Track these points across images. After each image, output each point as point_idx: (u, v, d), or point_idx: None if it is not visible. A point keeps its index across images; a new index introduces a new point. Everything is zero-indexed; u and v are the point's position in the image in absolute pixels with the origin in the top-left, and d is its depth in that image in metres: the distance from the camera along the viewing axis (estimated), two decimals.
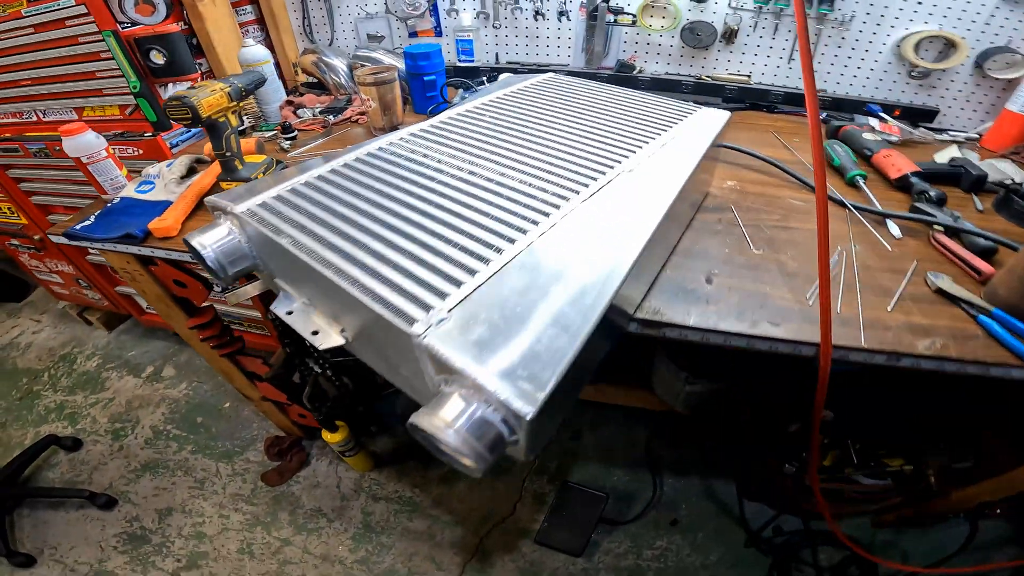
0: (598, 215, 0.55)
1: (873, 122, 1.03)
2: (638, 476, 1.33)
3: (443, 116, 0.75)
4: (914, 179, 0.82)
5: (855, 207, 0.78)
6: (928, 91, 1.08)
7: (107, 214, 0.87)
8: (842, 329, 0.57)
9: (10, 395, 1.68)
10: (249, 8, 1.28)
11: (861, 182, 0.84)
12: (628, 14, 1.11)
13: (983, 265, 0.64)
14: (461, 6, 1.21)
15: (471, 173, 0.61)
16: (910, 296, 0.63)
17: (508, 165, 0.62)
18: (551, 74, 0.89)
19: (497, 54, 1.27)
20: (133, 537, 1.29)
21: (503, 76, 1.19)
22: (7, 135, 1.29)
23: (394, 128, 1.05)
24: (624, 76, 1.18)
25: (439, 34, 1.28)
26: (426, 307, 0.43)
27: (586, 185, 0.59)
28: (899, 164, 0.85)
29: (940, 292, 0.62)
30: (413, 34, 1.29)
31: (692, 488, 1.31)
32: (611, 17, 1.12)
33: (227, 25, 1.14)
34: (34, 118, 1.25)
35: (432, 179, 0.59)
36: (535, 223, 0.53)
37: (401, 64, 1.16)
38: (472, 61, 1.25)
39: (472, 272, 0.47)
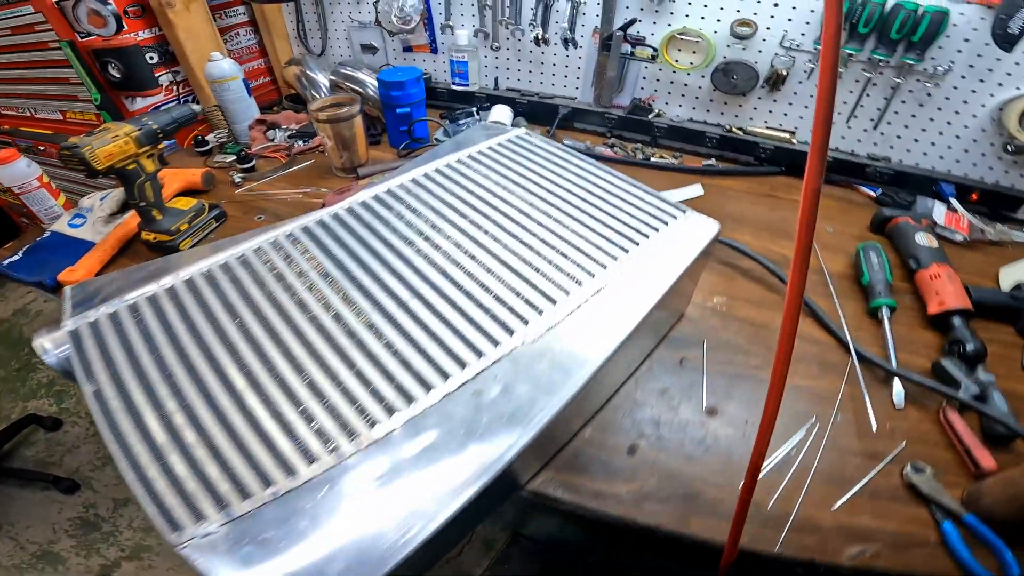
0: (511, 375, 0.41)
1: (939, 211, 0.78)
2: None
3: (379, 190, 0.62)
4: (956, 320, 0.59)
5: (860, 355, 0.57)
6: (1022, 171, 0.81)
7: (35, 250, 0.81)
8: (762, 530, 0.44)
9: (9, 365, 1.75)
10: (241, 9, 1.18)
11: (885, 317, 0.61)
12: (648, 46, 0.90)
13: (986, 459, 0.47)
14: (458, 22, 1.05)
15: (337, 316, 0.47)
16: (872, 491, 0.47)
17: (407, 302, 0.48)
18: (522, 133, 0.72)
19: (496, 79, 1.11)
20: (85, 523, 1.32)
21: (496, 109, 1.02)
22: (6, 127, 1.29)
23: (354, 169, 0.92)
24: (638, 120, 0.98)
25: (435, 51, 1.12)
26: (199, 516, 0.34)
27: (496, 342, 0.45)
28: (944, 293, 0.62)
29: (912, 487, 0.47)
30: (407, 48, 1.14)
31: None
32: (628, 48, 0.92)
33: (204, 33, 1.04)
34: (27, 114, 1.24)
35: (304, 310, 0.48)
36: (391, 411, 0.40)
37: None
38: (467, 85, 1.09)
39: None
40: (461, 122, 1.03)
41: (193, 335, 0.46)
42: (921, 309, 0.65)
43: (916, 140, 0.85)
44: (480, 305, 0.48)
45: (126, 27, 0.95)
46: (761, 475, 0.47)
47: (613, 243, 0.54)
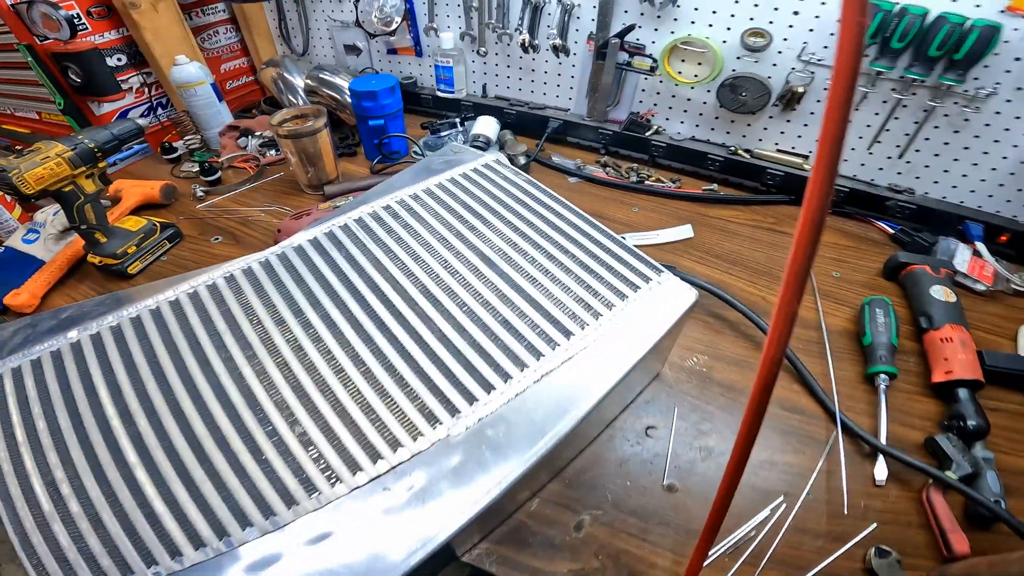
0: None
1: (961, 256, 0.68)
2: None
3: (334, 224, 0.55)
4: (963, 392, 0.51)
5: (846, 428, 0.50)
6: None
7: None
8: None
9: None
10: (220, 6, 1.11)
11: (882, 386, 0.53)
12: (647, 56, 0.81)
13: (960, 544, 0.42)
14: (443, 24, 0.96)
15: (284, 365, 0.41)
16: None
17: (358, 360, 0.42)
18: (491, 160, 0.64)
19: (484, 85, 1.02)
20: None
21: (481, 121, 0.94)
22: None
23: (320, 186, 0.86)
24: (634, 137, 0.89)
25: (419, 54, 1.04)
26: None
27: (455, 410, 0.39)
28: (954, 361, 0.53)
29: (871, 574, 0.42)
30: (392, 51, 1.07)
31: None
32: (625, 57, 0.83)
33: (173, 34, 0.98)
34: (8, 111, 1.20)
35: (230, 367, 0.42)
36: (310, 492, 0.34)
37: None
38: (452, 92, 1.01)
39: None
40: (443, 134, 0.95)
41: (89, 398, 0.42)
42: (925, 374, 0.56)
43: (945, 171, 0.75)
44: (423, 376, 0.42)
45: (90, 27, 0.90)
46: (711, 559, 0.42)
47: (580, 307, 0.47)
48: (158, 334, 0.46)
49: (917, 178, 0.76)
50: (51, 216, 0.81)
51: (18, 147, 1.06)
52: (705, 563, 0.38)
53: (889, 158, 0.76)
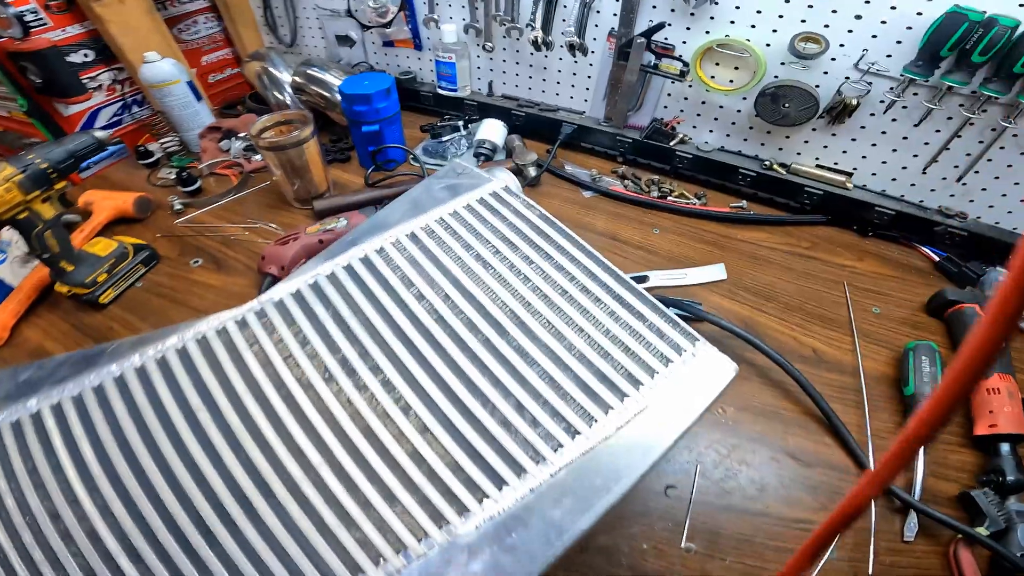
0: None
1: None
2: None
3: (322, 272, 0.48)
4: (1004, 447, 0.47)
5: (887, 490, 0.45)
6: None
7: None
8: None
9: None
10: None
11: None
12: (676, 59, 0.72)
13: None
14: (444, 15, 0.87)
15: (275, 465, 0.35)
16: None
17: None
18: (500, 189, 0.56)
19: (491, 83, 0.93)
20: None
21: (487, 124, 0.86)
22: None
23: (309, 201, 0.78)
24: (656, 146, 0.80)
25: (419, 47, 0.94)
26: None
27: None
28: (999, 414, 0.48)
29: None
30: (388, 43, 0.97)
31: None
32: (651, 59, 0.73)
33: (143, 25, 0.88)
34: None
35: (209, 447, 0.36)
36: None
37: None
38: (455, 90, 0.92)
39: None
40: (445, 139, 0.87)
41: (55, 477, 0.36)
42: (967, 424, 0.51)
43: (1003, 195, 0.67)
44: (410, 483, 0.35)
45: (50, 22, 0.80)
46: None
47: (602, 386, 0.40)
48: (120, 412, 0.39)
49: (971, 201, 0.69)
50: (16, 234, 0.74)
51: None
52: None
53: (944, 179, 0.68)
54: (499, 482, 0.35)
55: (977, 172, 0.66)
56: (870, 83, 0.64)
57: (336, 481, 0.36)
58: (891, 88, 0.64)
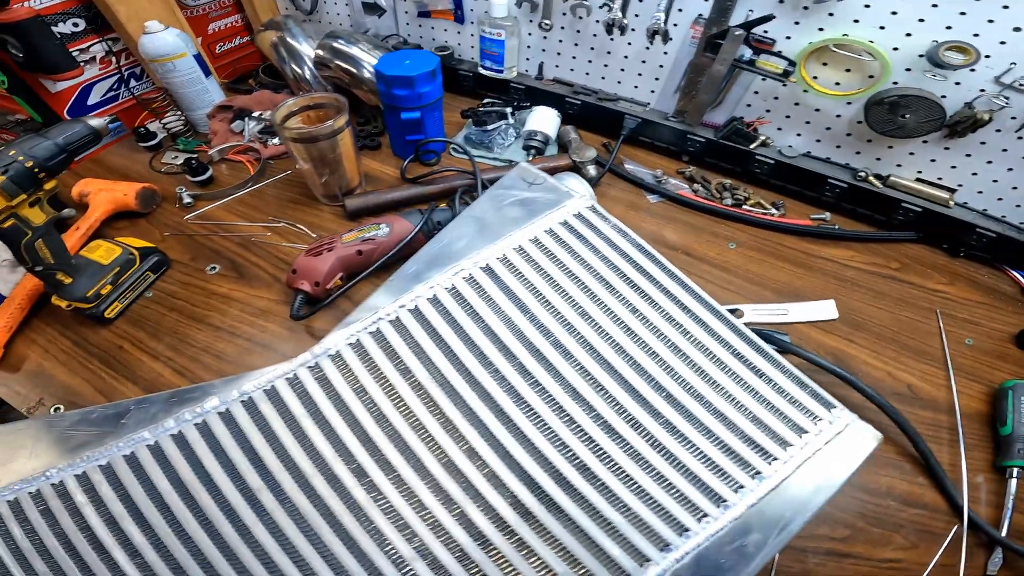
0: None
1: None
2: None
3: (391, 311, 0.40)
4: None
5: (975, 523, 0.43)
6: None
7: None
8: None
9: None
10: None
11: (1014, 480, 0.45)
12: (781, 57, 0.62)
13: None
14: None
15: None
16: None
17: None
18: (584, 209, 0.48)
19: (541, 64, 0.82)
20: None
21: (538, 113, 0.76)
22: None
23: (339, 198, 0.68)
24: (732, 148, 0.71)
25: (460, 20, 0.83)
26: None
27: None
28: None
29: None
30: (424, 13, 0.85)
31: None
32: (746, 54, 0.63)
33: None
34: None
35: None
36: None
37: None
38: (500, 72, 0.81)
39: None
40: (490, 127, 0.77)
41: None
42: None
43: None
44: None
45: None
46: None
47: (731, 462, 0.33)
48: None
49: None
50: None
51: None
52: None
53: None
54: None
55: None
56: (1008, 98, 0.55)
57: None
58: None
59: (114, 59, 0.81)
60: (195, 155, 0.71)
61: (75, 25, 0.74)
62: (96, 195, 0.67)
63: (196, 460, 0.34)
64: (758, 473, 0.33)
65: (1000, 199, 0.64)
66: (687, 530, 0.31)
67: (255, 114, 0.82)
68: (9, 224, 0.48)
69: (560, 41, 0.78)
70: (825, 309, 0.57)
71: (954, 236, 0.65)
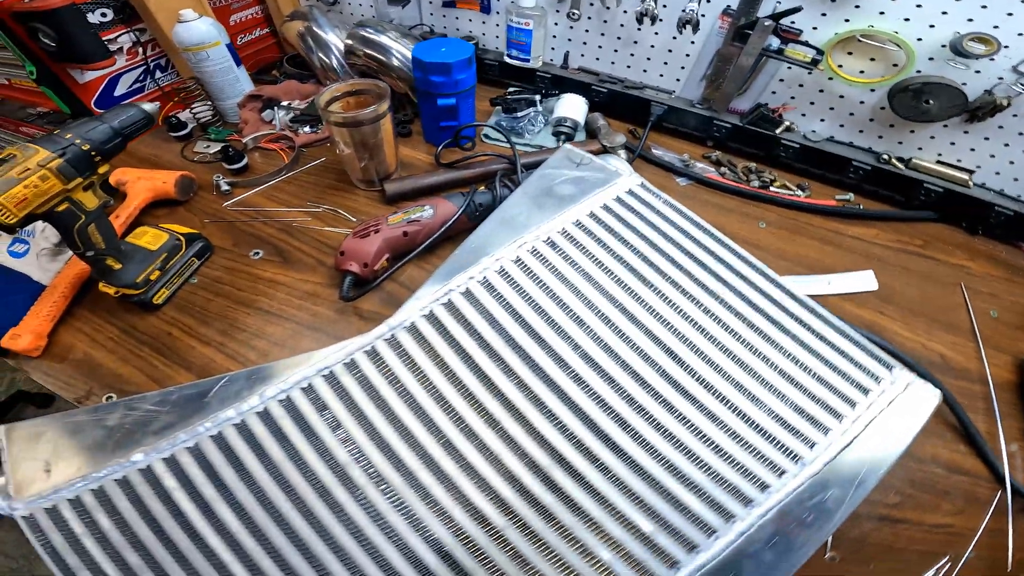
0: None
1: None
2: None
3: (460, 283, 0.41)
4: None
5: (1017, 490, 0.45)
6: None
7: None
8: None
9: None
10: None
11: None
12: (808, 46, 0.64)
13: None
14: None
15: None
16: None
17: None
18: (635, 186, 0.49)
19: (567, 54, 0.83)
20: None
21: (567, 100, 0.77)
22: None
23: (379, 182, 0.69)
24: (757, 133, 0.73)
25: (486, 9, 0.84)
26: None
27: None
28: None
29: None
30: (449, 3, 0.86)
31: None
32: (774, 43, 0.65)
33: None
34: None
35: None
36: None
37: None
38: (527, 61, 0.83)
39: None
40: (520, 114, 0.78)
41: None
42: None
43: None
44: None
45: None
46: None
47: (801, 420, 0.35)
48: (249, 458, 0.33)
49: None
50: (39, 223, 0.64)
51: None
52: None
53: None
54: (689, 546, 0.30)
55: None
56: None
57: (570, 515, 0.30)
58: None
59: (140, 50, 0.82)
60: (229, 144, 0.71)
61: (103, 15, 0.74)
62: (134, 183, 0.67)
63: (283, 437, 0.35)
64: (829, 431, 0.35)
65: (1016, 179, 0.66)
66: (767, 486, 0.33)
67: (284, 103, 0.83)
68: (64, 208, 0.49)
69: (587, 31, 0.80)
70: (865, 280, 0.59)
71: (973, 215, 0.67)
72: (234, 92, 0.79)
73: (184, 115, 0.80)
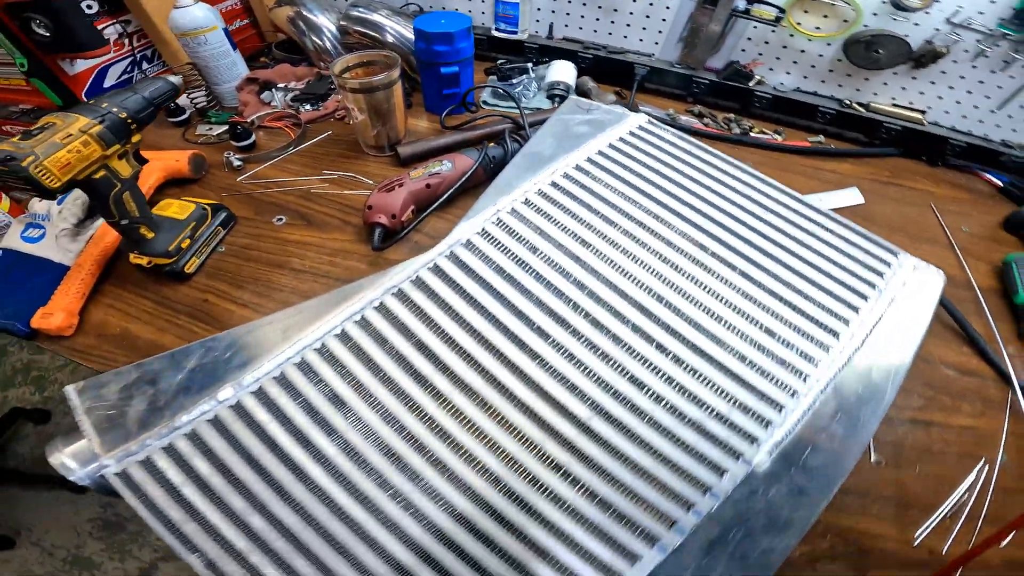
0: None
1: None
2: None
3: (506, 204, 0.44)
4: None
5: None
6: None
7: None
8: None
9: None
10: None
11: None
12: (772, 5, 0.72)
13: None
14: None
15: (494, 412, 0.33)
16: None
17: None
18: (643, 122, 0.55)
19: (551, 24, 0.89)
20: (108, 524, 1.23)
21: (558, 65, 0.82)
22: None
23: (391, 147, 0.72)
24: (732, 87, 0.80)
25: None
26: None
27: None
28: None
29: None
30: None
31: None
32: (741, 4, 0.73)
33: None
34: None
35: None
36: None
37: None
38: (515, 33, 0.87)
39: None
40: (515, 80, 0.83)
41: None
42: None
43: None
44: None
45: None
46: (935, 522, 0.42)
47: (823, 313, 0.40)
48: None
49: (1015, 130, 0.75)
50: (55, 205, 0.64)
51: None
52: (929, 527, 0.40)
53: (1010, 116, 0.74)
54: (773, 411, 0.35)
55: None
56: (959, 35, 0.68)
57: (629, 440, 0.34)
58: (977, 40, 0.68)
59: (127, 41, 0.82)
60: (237, 122, 0.73)
61: (89, 7, 0.74)
62: (149, 163, 0.67)
63: (363, 354, 0.36)
64: (859, 309, 0.40)
65: (964, 116, 0.76)
66: (818, 361, 0.37)
67: (280, 85, 0.84)
68: (101, 175, 0.50)
69: (569, 2, 0.85)
70: (852, 195, 0.67)
71: (931, 148, 0.77)
72: (231, 76, 0.80)
73: (182, 100, 0.80)
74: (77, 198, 0.64)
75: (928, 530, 0.41)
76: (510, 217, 0.44)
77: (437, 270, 0.41)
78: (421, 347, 0.37)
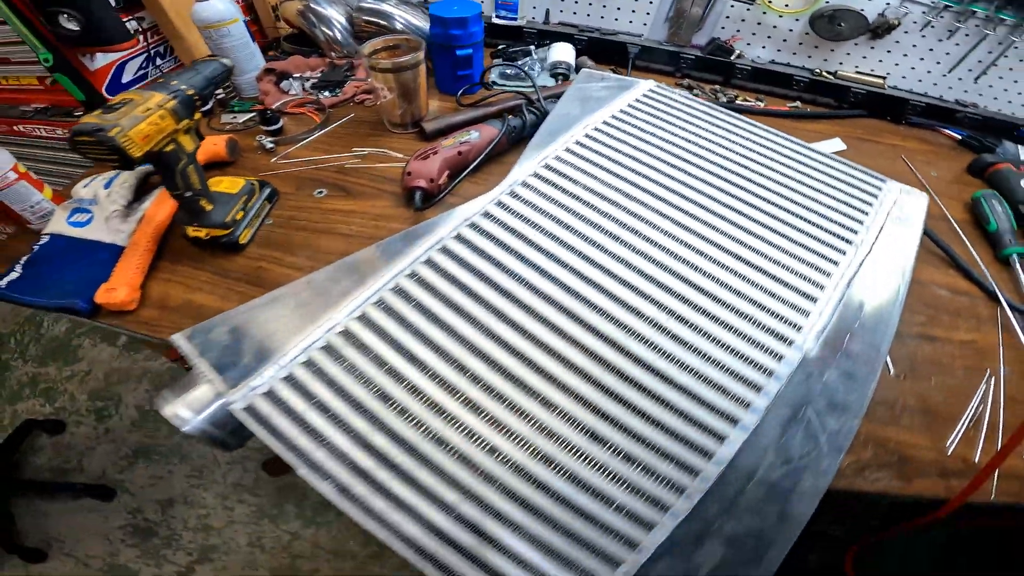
0: None
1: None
2: None
3: (551, 153, 0.51)
4: None
5: (1013, 307, 0.55)
6: None
7: (37, 263, 0.60)
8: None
9: None
10: None
11: (1018, 264, 0.59)
12: None
13: None
14: None
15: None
16: None
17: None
18: (652, 86, 0.62)
19: (548, 11, 0.96)
20: (139, 530, 1.22)
21: (558, 47, 0.89)
22: None
23: (415, 124, 0.78)
24: (716, 61, 0.89)
25: None
26: None
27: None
28: None
29: None
30: None
31: None
32: None
33: None
34: None
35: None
36: None
37: (422, 22, 0.87)
38: (515, 19, 0.94)
39: None
40: (519, 62, 0.89)
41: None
42: None
43: (1005, 90, 0.84)
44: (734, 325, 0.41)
45: None
46: (961, 431, 0.46)
47: (830, 236, 0.49)
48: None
49: (980, 95, 0.86)
50: (102, 189, 0.67)
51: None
52: (957, 436, 0.44)
53: (960, 79, 0.85)
54: (808, 302, 0.42)
55: (985, 74, 0.83)
56: (908, 8, 0.78)
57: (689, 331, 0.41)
58: (923, 12, 0.79)
59: (142, 37, 0.85)
60: (266, 108, 0.77)
61: (117, 2, 0.77)
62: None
63: (452, 278, 0.41)
64: (858, 231, 0.48)
65: (920, 80, 0.87)
66: (828, 275, 0.45)
67: (296, 75, 0.89)
68: (171, 148, 0.54)
69: None
70: (835, 144, 0.76)
71: (895, 109, 0.87)
72: (250, 67, 0.84)
73: None
74: (124, 181, 0.67)
75: (957, 439, 0.45)
76: (556, 162, 0.51)
77: (502, 205, 0.47)
78: (499, 266, 0.43)
